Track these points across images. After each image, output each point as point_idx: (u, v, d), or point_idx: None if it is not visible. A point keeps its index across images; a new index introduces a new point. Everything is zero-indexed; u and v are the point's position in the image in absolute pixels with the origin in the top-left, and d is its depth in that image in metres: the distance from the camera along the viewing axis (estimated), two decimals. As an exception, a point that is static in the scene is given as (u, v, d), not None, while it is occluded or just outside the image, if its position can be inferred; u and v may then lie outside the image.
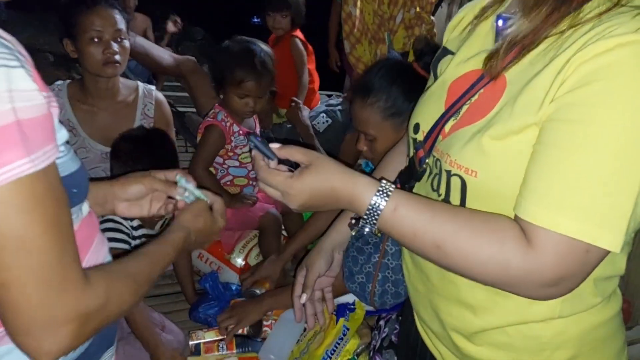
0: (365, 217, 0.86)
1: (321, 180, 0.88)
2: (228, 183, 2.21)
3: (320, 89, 5.78)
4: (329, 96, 5.36)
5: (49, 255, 0.65)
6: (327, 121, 3.14)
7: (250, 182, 2.25)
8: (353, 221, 0.98)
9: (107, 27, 1.91)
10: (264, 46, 2.12)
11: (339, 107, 3.23)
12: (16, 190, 0.62)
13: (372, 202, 0.85)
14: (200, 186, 1.11)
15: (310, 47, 3.38)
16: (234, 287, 1.99)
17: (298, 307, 1.25)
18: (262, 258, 2.17)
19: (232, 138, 2.13)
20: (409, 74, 1.62)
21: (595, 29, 0.74)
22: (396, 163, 1.23)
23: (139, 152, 1.75)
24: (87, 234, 0.88)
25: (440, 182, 0.91)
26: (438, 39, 3.67)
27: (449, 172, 0.88)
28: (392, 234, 0.87)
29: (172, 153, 1.82)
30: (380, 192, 0.85)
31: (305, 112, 3.00)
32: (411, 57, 2.96)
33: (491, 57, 0.86)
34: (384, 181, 0.87)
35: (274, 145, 0.93)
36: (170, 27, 5.57)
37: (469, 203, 0.87)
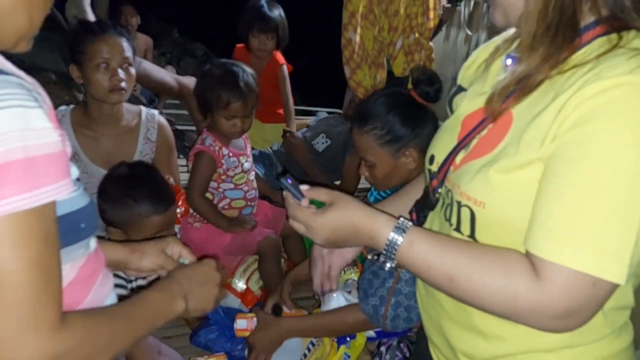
0: (384, 252, 0.92)
1: (343, 216, 0.95)
2: (226, 207, 2.22)
3: (320, 105, 5.84)
4: (330, 113, 5.42)
5: (27, 292, 0.66)
6: (326, 141, 3.15)
7: (248, 203, 2.26)
8: (375, 257, 1.05)
9: (114, 55, 1.94)
10: (245, 67, 2.14)
11: (339, 128, 3.24)
12: (6, 224, 0.64)
13: (390, 238, 0.91)
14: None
15: (289, 66, 3.33)
16: (234, 313, 1.99)
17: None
18: (263, 283, 2.18)
19: (223, 161, 2.14)
20: (406, 101, 1.68)
21: (594, 70, 0.79)
22: (415, 193, 1.26)
23: (133, 189, 1.70)
24: (93, 268, 0.90)
25: (452, 212, 0.96)
26: (437, 64, 3.72)
27: (459, 203, 0.93)
28: (409, 268, 0.93)
29: (161, 184, 1.79)
30: (398, 228, 0.91)
31: (299, 141, 3.02)
32: (411, 83, 3.01)
33: (491, 98, 0.91)
34: (401, 218, 0.93)
35: (303, 187, 1.02)
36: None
37: (478, 233, 0.91)
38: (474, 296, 0.86)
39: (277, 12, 3.05)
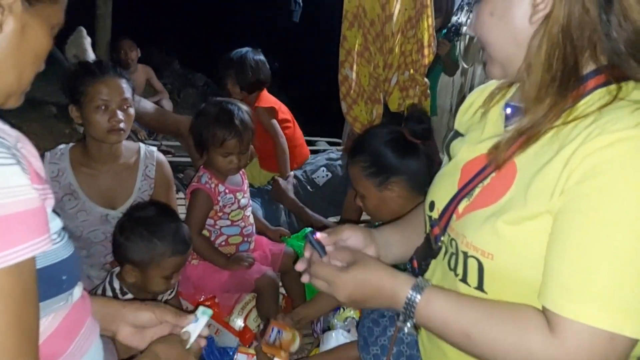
0: (403, 309, 0.94)
1: (367, 274, 0.97)
2: (223, 243, 2.22)
3: (320, 135, 5.87)
4: (329, 143, 5.45)
5: (4, 350, 0.66)
6: (327, 175, 3.17)
7: (245, 239, 2.26)
8: (395, 317, 1.05)
9: (114, 96, 1.96)
10: (240, 104, 2.18)
11: (339, 162, 3.26)
12: None
13: (409, 296, 0.93)
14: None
15: (281, 106, 3.36)
16: (230, 352, 1.99)
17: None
18: (261, 321, 2.18)
19: (219, 198, 2.15)
20: (395, 137, 1.76)
21: (597, 122, 0.81)
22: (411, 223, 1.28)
23: (158, 228, 1.74)
24: (76, 319, 0.90)
25: (458, 262, 0.97)
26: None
27: (465, 254, 0.94)
28: (427, 325, 0.95)
29: (182, 226, 1.81)
30: (416, 287, 0.93)
31: (290, 186, 3.04)
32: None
33: (496, 147, 0.92)
34: (420, 278, 0.95)
35: (328, 248, 1.05)
36: None
37: (486, 284, 0.92)
38: (490, 353, 0.86)
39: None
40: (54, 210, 0.81)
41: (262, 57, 3.29)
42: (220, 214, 2.17)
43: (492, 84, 1.10)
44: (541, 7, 0.85)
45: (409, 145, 1.74)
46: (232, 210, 2.19)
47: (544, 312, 0.82)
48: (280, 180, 3.02)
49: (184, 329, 1.09)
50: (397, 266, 1.34)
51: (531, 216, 0.84)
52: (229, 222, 2.20)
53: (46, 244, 0.71)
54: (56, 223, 0.81)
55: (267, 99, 3.29)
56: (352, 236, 1.14)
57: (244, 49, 3.29)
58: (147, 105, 2.75)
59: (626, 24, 0.83)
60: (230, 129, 2.07)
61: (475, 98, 1.14)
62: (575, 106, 0.86)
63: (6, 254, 0.66)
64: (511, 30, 0.89)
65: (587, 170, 0.78)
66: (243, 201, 2.23)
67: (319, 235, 1.07)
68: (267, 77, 3.27)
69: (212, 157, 2.11)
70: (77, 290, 0.90)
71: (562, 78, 0.85)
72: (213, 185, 2.13)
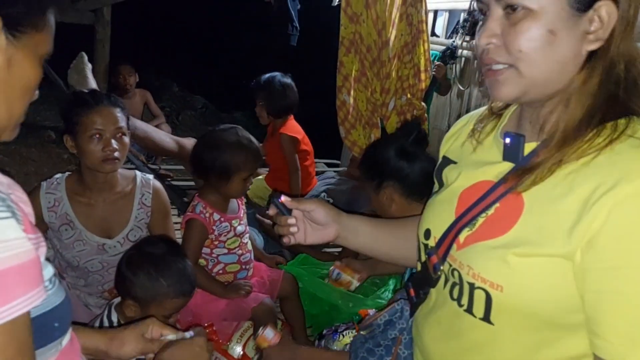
0: None
1: None
2: (220, 272, 2.21)
3: (317, 156, 5.87)
4: (328, 164, 5.45)
5: None
6: (328, 201, 3.16)
7: (243, 267, 2.25)
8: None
9: (108, 126, 1.96)
10: (241, 129, 2.23)
11: (341, 187, 3.25)
12: None
13: None
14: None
15: (304, 137, 3.45)
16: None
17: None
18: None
19: (214, 227, 2.14)
20: (397, 146, 1.88)
21: (614, 160, 0.80)
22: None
23: (165, 267, 1.71)
24: None
25: (462, 293, 0.95)
26: (431, 117, 3.78)
27: (472, 285, 0.92)
28: None
29: (190, 268, 1.80)
30: None
31: None
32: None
33: (522, 173, 0.89)
34: None
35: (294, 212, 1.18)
36: None
37: (493, 316, 0.90)
38: None
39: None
40: (46, 258, 0.79)
41: (289, 82, 3.35)
42: (216, 243, 2.16)
43: (477, 114, 1.08)
44: (599, 34, 0.83)
45: (408, 153, 1.83)
46: (228, 239, 2.17)
47: None
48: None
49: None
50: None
51: (546, 255, 0.83)
52: (225, 250, 2.19)
53: (40, 296, 0.70)
54: (48, 270, 0.80)
55: (293, 127, 3.36)
56: (316, 209, 1.19)
57: (274, 74, 3.36)
58: (146, 127, 2.74)
59: (637, 60, 0.85)
60: (256, 154, 2.13)
61: (463, 126, 1.12)
62: (589, 137, 0.84)
63: (2, 310, 0.65)
64: (565, 53, 0.84)
65: (625, 224, 0.77)
66: (239, 228, 2.22)
67: (283, 198, 1.17)
68: (294, 103, 3.33)
69: (231, 183, 2.10)
70: (67, 336, 0.88)
71: (608, 110, 0.84)
72: (207, 215, 2.12)
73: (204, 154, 2.13)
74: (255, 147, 2.14)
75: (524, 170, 0.88)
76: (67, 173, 2.17)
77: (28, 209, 0.81)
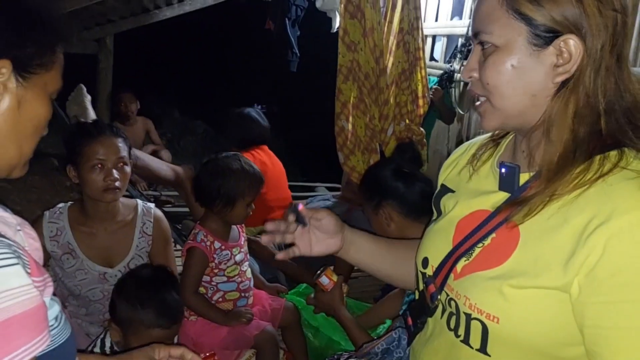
0: None
1: None
2: (220, 300, 2.20)
3: (319, 180, 5.90)
4: (328, 188, 5.46)
5: None
6: None
7: (243, 294, 2.24)
8: None
9: (109, 156, 1.98)
10: (241, 156, 2.27)
11: (335, 210, 3.24)
12: None
13: None
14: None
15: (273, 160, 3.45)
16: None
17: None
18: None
19: (215, 255, 2.14)
20: (393, 168, 1.97)
21: (607, 192, 0.81)
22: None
23: (145, 294, 1.69)
24: None
25: (459, 324, 0.94)
26: (432, 141, 3.81)
27: (468, 316, 0.92)
28: None
29: (175, 299, 1.77)
30: None
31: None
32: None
33: (515, 206, 0.89)
34: None
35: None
36: None
37: (490, 347, 0.90)
38: None
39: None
40: (54, 293, 0.80)
41: (251, 114, 3.40)
42: (216, 271, 2.16)
43: (476, 143, 1.09)
44: (566, 67, 0.84)
45: (404, 174, 1.91)
46: (228, 267, 2.18)
47: None
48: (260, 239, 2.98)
49: None
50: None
51: (542, 287, 0.84)
52: (225, 279, 2.19)
53: (44, 342, 0.71)
54: (54, 309, 0.81)
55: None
56: (327, 217, 1.22)
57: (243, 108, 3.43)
58: (147, 159, 2.77)
59: (626, 94, 0.85)
60: (257, 179, 2.17)
61: (461, 154, 1.13)
62: (582, 169, 0.85)
63: (9, 358, 0.66)
64: (532, 86, 0.87)
65: (621, 258, 0.77)
66: (239, 257, 2.22)
67: (301, 207, 1.22)
68: (255, 135, 3.35)
69: (235, 209, 2.12)
70: None
71: (589, 142, 0.84)
72: (208, 243, 2.13)
73: (208, 181, 2.14)
74: (258, 172, 2.19)
75: (516, 202, 0.89)
76: (69, 202, 2.18)
77: (37, 244, 0.82)
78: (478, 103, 0.95)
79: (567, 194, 0.84)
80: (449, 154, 1.19)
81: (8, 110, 0.77)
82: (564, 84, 0.85)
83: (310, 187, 5.73)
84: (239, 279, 2.22)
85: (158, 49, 8.76)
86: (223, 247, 2.15)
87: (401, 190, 1.88)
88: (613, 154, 0.84)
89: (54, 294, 0.83)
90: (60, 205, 2.16)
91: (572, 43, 0.83)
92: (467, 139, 1.26)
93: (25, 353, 0.68)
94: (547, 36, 0.84)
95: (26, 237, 0.79)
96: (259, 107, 3.50)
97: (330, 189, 5.32)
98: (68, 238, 2.07)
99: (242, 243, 2.27)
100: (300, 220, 1.20)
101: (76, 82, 2.87)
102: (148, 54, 8.53)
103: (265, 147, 3.41)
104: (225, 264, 2.16)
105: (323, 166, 5.79)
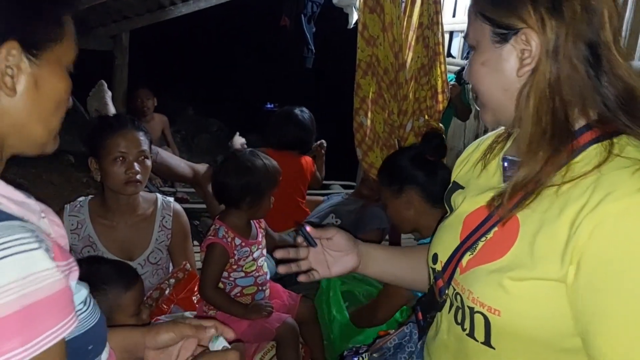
0: None
1: None
2: (238, 294, 2.20)
3: (334, 178, 5.88)
4: (344, 186, 5.45)
5: None
6: (336, 221, 3.12)
7: (260, 288, 2.24)
8: None
9: (131, 149, 1.99)
10: (257, 151, 2.27)
11: (349, 207, 3.22)
12: None
13: None
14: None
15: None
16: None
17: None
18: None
19: (235, 252, 2.14)
20: (403, 153, 2.06)
21: (599, 182, 0.81)
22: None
23: (99, 279, 1.64)
24: None
25: (465, 317, 0.96)
26: (448, 138, 3.79)
27: (472, 309, 0.93)
28: None
29: (119, 262, 1.79)
30: None
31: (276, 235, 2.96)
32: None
33: (495, 198, 0.94)
34: None
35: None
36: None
37: (493, 340, 0.91)
38: None
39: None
40: (80, 278, 0.80)
41: (299, 116, 3.24)
42: (234, 267, 2.16)
43: (490, 137, 1.11)
44: (527, 61, 0.88)
45: (426, 162, 1.94)
46: (246, 263, 2.17)
47: None
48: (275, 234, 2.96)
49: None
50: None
51: (540, 278, 0.84)
52: (243, 274, 2.18)
53: (72, 324, 0.71)
54: (82, 293, 0.81)
55: None
56: (337, 234, 1.22)
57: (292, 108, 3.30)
58: (165, 155, 2.78)
59: (615, 80, 0.86)
60: (278, 172, 2.20)
61: (472, 151, 1.15)
62: (571, 162, 0.86)
63: (36, 342, 0.65)
64: (501, 81, 0.92)
65: (606, 245, 0.78)
66: (257, 253, 2.22)
67: (309, 228, 1.20)
68: (293, 139, 3.23)
69: (263, 204, 2.16)
70: (105, 354, 0.88)
71: (553, 131, 0.87)
72: (229, 239, 2.12)
73: (234, 180, 2.13)
74: (277, 165, 2.22)
75: (501, 194, 0.92)
76: (90, 196, 2.20)
77: (62, 231, 0.82)
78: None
79: (563, 185, 0.85)
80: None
81: (26, 92, 0.76)
82: (529, 77, 0.89)
83: (325, 185, 5.72)
84: (257, 274, 2.22)
85: (173, 46, 8.81)
86: (243, 244, 2.15)
87: (424, 176, 1.93)
88: (607, 143, 0.85)
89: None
90: (81, 198, 2.17)
91: (530, 37, 0.87)
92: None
93: (52, 336, 0.67)
94: (505, 32, 0.90)
95: (51, 224, 0.79)
96: (271, 105, 3.45)
97: (345, 187, 5.30)
98: (89, 231, 2.08)
99: (260, 240, 2.27)
100: (309, 241, 1.19)
101: (92, 79, 2.88)
102: (163, 51, 8.58)
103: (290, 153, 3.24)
104: (244, 260, 2.16)
105: (338, 164, 5.79)
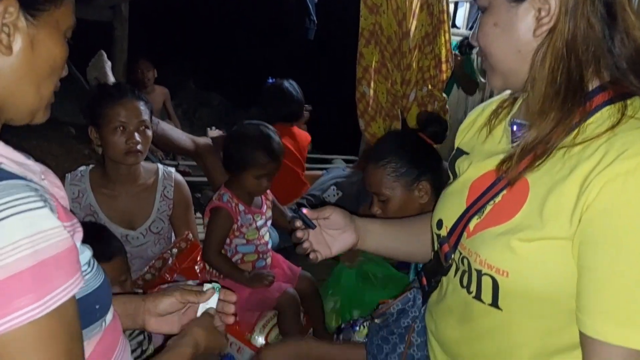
0: None
1: None
2: (239, 261, 2.21)
3: (336, 152, 5.86)
4: (346, 160, 5.43)
5: None
6: (337, 193, 3.11)
7: (261, 256, 2.25)
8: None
9: (131, 118, 1.98)
10: (270, 126, 2.19)
11: (351, 179, 3.22)
12: (30, 331, 0.66)
13: None
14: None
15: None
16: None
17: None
18: (283, 338, 2.15)
19: (239, 217, 2.15)
20: (417, 139, 1.86)
21: (612, 141, 0.81)
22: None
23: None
24: (111, 340, 0.91)
25: (471, 280, 0.97)
26: (451, 110, 3.75)
27: (479, 272, 0.94)
28: None
29: (105, 236, 1.72)
30: None
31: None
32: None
33: (505, 161, 0.93)
34: None
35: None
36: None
37: (501, 302, 0.92)
38: None
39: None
40: (83, 241, 0.80)
41: (287, 89, 3.25)
42: (237, 233, 2.17)
43: (493, 103, 1.10)
44: (545, 20, 0.86)
45: (429, 147, 1.84)
46: (248, 231, 2.18)
47: (584, 339, 0.82)
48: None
49: (209, 306, 1.13)
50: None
51: (549, 238, 0.85)
52: (244, 241, 2.20)
53: (79, 282, 0.72)
54: (86, 254, 0.82)
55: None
56: (333, 213, 1.24)
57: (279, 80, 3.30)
58: (166, 127, 2.75)
59: (628, 41, 0.85)
60: (270, 153, 2.08)
61: (477, 116, 1.14)
62: (584, 124, 0.86)
63: (48, 298, 0.67)
64: (515, 42, 0.90)
65: (609, 200, 0.78)
66: (260, 222, 2.22)
67: (305, 210, 1.23)
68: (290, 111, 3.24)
69: (243, 178, 2.11)
70: (110, 315, 0.90)
71: (567, 92, 0.86)
72: (234, 204, 2.13)
73: (227, 145, 2.15)
74: (273, 147, 2.11)
75: (510, 156, 0.92)
76: (90, 166, 2.19)
77: (62, 193, 0.82)
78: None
79: (574, 147, 0.85)
80: (465, 123, 1.20)
81: (22, 51, 0.75)
82: (545, 37, 0.88)
83: (327, 159, 5.70)
84: (257, 242, 2.23)
85: (173, 17, 8.70)
86: (246, 211, 2.16)
87: (438, 166, 1.82)
88: (622, 104, 0.85)
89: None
90: (82, 168, 2.17)
91: None
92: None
93: (63, 292, 0.69)
94: None
95: (51, 186, 0.79)
96: (273, 80, 3.41)
97: (347, 162, 5.29)
98: (90, 200, 2.08)
99: (264, 210, 2.27)
100: (307, 223, 1.22)
101: (91, 50, 2.84)
102: (163, 22, 8.47)
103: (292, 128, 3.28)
104: (246, 227, 2.17)
105: (339, 138, 5.75)
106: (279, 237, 2.83)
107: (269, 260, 2.29)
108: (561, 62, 0.85)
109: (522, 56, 0.90)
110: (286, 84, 3.28)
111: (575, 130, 0.86)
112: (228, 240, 2.18)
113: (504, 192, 0.94)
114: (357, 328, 1.97)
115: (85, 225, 1.72)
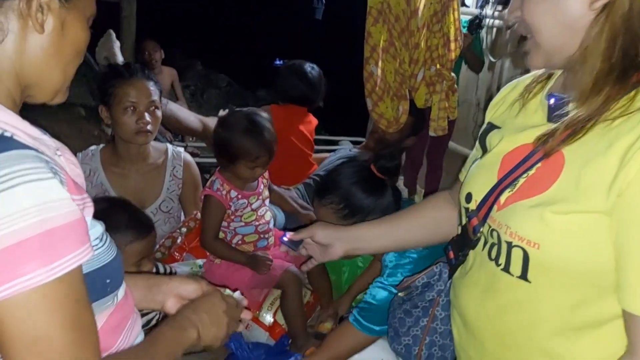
0: None
1: None
2: (240, 242, 2.19)
3: (344, 134, 5.85)
4: (353, 142, 5.42)
5: (69, 352, 0.71)
6: None
7: (262, 236, 2.23)
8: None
9: (141, 98, 1.99)
10: (264, 113, 2.12)
11: (359, 157, 3.20)
12: (37, 296, 0.67)
13: None
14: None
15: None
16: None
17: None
18: (284, 317, 2.16)
19: (231, 203, 2.10)
20: (367, 175, 1.74)
21: None
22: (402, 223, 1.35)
23: (109, 222, 1.65)
24: (122, 315, 0.92)
25: (500, 252, 0.96)
26: (461, 90, 3.72)
27: (509, 244, 0.93)
28: None
29: (139, 213, 1.73)
30: None
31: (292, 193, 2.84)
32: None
33: (546, 136, 0.91)
34: None
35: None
36: None
37: (530, 274, 0.92)
38: None
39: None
40: (94, 216, 0.82)
41: (305, 70, 3.10)
42: (233, 217, 2.13)
43: (527, 78, 1.09)
44: None
45: (377, 182, 1.74)
46: (244, 213, 2.15)
47: (627, 318, 0.83)
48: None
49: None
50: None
51: (584, 211, 0.84)
52: (242, 224, 2.17)
53: (88, 253, 0.73)
54: (97, 229, 0.83)
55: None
56: (315, 233, 1.32)
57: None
58: (174, 107, 2.75)
59: None
60: (262, 145, 2.01)
61: (509, 92, 1.13)
62: (631, 98, 0.85)
63: (56, 264, 0.68)
64: (567, 16, 0.87)
65: None
66: (256, 204, 2.18)
67: (288, 235, 1.33)
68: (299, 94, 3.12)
69: (236, 168, 2.05)
70: (121, 290, 0.92)
71: (622, 68, 0.84)
72: (225, 192, 2.09)
73: (216, 133, 2.08)
74: (264, 138, 2.03)
75: (554, 130, 0.90)
76: (101, 145, 2.21)
77: (78, 170, 0.84)
78: (526, 41, 0.96)
79: (615, 120, 0.84)
80: (477, 104, 1.20)
81: (53, 32, 0.78)
82: (602, 11, 0.85)
83: (334, 141, 5.70)
84: (257, 223, 2.20)
85: (181, -1, 8.66)
86: (240, 196, 2.12)
87: (384, 203, 1.74)
88: None
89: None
90: (92, 147, 2.19)
91: None
92: (498, 89, 1.26)
93: (72, 260, 0.70)
94: None
95: (67, 163, 0.81)
96: (281, 62, 3.36)
97: (354, 143, 5.28)
98: (101, 179, 2.10)
99: (260, 191, 2.23)
100: (291, 247, 1.34)
101: (99, 30, 2.84)
102: (171, 3, 8.44)
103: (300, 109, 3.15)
104: (241, 211, 2.13)
105: (347, 119, 5.74)
106: (285, 219, 2.83)
107: (271, 239, 2.27)
108: (618, 35, 0.83)
109: (573, 31, 0.87)
110: (307, 66, 3.14)
111: (622, 104, 0.85)
112: (226, 224, 2.15)
113: (539, 164, 0.93)
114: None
115: (123, 202, 1.76)
